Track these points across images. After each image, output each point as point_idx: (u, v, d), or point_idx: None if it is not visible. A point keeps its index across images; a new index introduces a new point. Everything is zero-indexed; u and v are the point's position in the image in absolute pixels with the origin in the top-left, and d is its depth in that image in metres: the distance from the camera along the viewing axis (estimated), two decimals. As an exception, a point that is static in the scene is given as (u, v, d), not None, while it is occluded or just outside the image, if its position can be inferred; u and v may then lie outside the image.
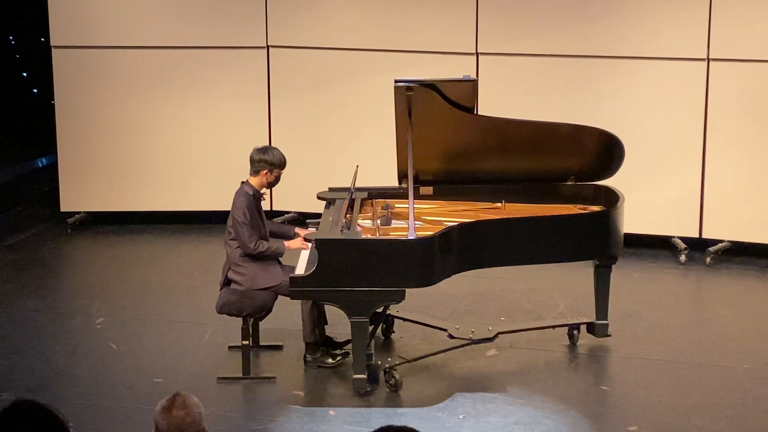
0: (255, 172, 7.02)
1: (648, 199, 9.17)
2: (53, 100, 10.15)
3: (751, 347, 7.51)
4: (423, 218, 7.26)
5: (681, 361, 7.28)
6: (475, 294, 8.38)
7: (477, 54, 9.45)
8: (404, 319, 7.62)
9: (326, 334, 7.28)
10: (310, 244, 6.83)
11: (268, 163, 6.99)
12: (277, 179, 7.09)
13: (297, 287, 6.61)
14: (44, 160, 11.33)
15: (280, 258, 7.08)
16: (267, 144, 7.25)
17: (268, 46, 9.88)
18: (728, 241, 9.23)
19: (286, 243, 7.04)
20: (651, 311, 8.13)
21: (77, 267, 9.53)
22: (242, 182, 7.05)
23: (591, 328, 7.50)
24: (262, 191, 7.06)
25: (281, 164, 7.03)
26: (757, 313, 8.16)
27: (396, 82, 6.82)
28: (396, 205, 7.51)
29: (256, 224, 6.96)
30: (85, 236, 10.00)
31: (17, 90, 11.98)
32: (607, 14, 9.16)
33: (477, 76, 9.21)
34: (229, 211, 7.04)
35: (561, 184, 7.56)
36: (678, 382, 6.98)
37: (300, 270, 6.80)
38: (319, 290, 6.61)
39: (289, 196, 9.90)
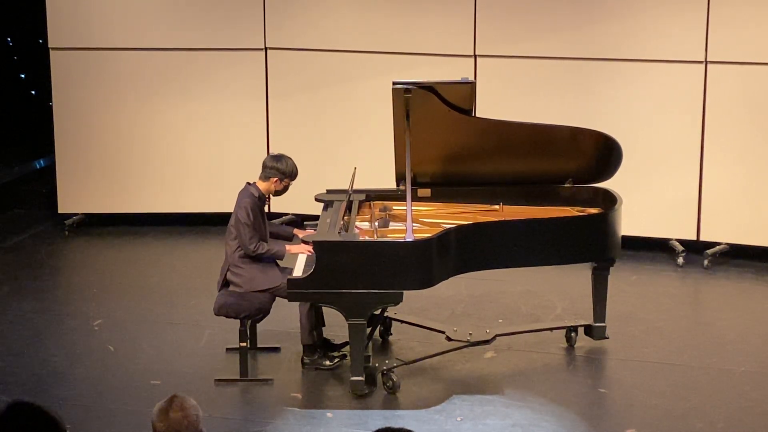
0: (265, 177, 7.00)
1: (646, 202, 9.17)
2: (51, 101, 10.14)
3: (748, 350, 7.51)
4: (421, 220, 7.26)
5: (679, 363, 7.28)
6: (472, 296, 8.37)
7: (475, 56, 9.45)
8: (402, 321, 7.62)
9: (324, 336, 7.28)
10: (311, 248, 6.81)
11: (280, 171, 6.98)
12: (285, 189, 7.07)
13: (295, 289, 6.61)
14: (42, 162, 11.32)
15: (278, 260, 7.08)
16: (283, 154, 7.17)
17: (266, 48, 9.88)
18: (726, 244, 9.24)
19: (288, 246, 7.03)
20: (648, 314, 8.13)
21: (75, 269, 9.52)
22: (248, 183, 7.03)
23: (588, 330, 7.50)
24: (267, 196, 7.06)
25: (292, 175, 7.02)
26: (755, 315, 8.16)
27: (394, 84, 6.82)
28: (394, 207, 7.50)
29: (258, 226, 6.96)
30: (83, 238, 10.00)
31: (15, 91, 11.97)
32: (605, 17, 9.16)
33: (475, 78, 9.22)
34: (227, 213, 7.03)
35: (559, 187, 7.56)
36: (676, 384, 6.98)
37: (298, 272, 6.80)
38: (316, 292, 6.61)
39: (287, 197, 9.75)
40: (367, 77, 9.65)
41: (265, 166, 7.01)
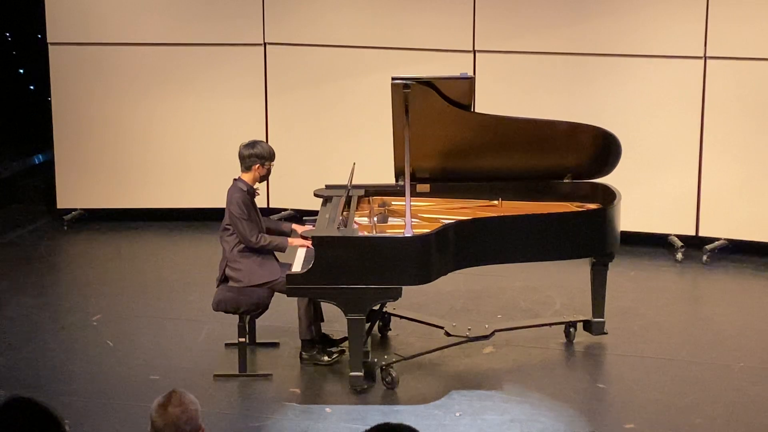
0: (246, 168, 7.02)
1: (645, 197, 9.17)
2: (50, 96, 10.13)
3: (747, 345, 7.51)
4: (420, 216, 7.26)
5: (677, 359, 7.28)
6: (471, 292, 8.38)
7: (474, 51, 9.45)
8: (401, 317, 7.62)
9: (322, 331, 7.28)
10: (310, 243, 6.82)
11: (259, 156, 7.00)
12: (268, 172, 7.10)
13: (293, 284, 6.61)
14: (41, 157, 11.31)
15: (279, 254, 7.08)
16: (254, 139, 7.22)
17: (265, 43, 9.88)
18: (725, 239, 9.24)
19: (289, 239, 7.05)
20: (647, 309, 8.13)
21: (74, 264, 9.52)
22: (234, 179, 7.04)
23: (587, 325, 7.50)
24: (255, 186, 7.07)
25: (271, 156, 7.05)
26: (753, 311, 8.16)
27: (393, 79, 6.81)
28: (393, 203, 7.50)
29: (254, 218, 6.97)
30: (82, 233, 9.99)
31: (14, 87, 11.97)
32: (604, 12, 9.15)
33: (474, 73, 9.21)
34: (224, 208, 7.04)
35: (558, 182, 7.55)
36: (674, 379, 6.98)
37: (297, 267, 6.80)
38: (315, 287, 6.61)
39: (286, 193, 9.90)
40: (366, 73, 9.64)
41: (243, 158, 7.03)
